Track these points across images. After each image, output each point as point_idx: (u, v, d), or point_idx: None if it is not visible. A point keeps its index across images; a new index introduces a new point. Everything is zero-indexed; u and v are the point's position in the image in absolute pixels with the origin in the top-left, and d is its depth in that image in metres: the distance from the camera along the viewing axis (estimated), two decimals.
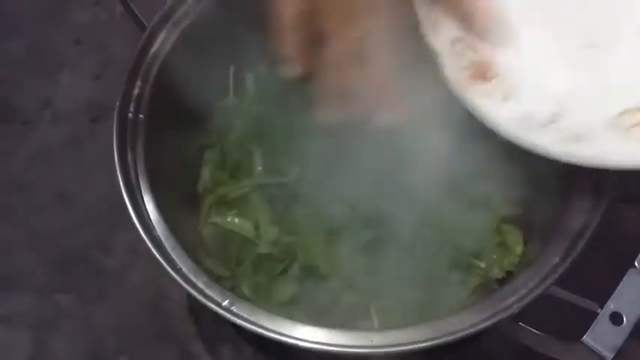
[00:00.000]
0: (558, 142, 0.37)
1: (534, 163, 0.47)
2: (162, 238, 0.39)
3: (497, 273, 0.46)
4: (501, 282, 0.45)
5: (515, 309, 0.37)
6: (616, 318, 0.38)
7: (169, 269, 0.37)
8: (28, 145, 0.64)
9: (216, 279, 0.39)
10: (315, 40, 0.37)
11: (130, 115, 0.43)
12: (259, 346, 0.52)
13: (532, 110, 0.39)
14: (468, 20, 0.39)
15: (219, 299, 0.37)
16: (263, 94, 0.54)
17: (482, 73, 0.40)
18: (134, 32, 0.50)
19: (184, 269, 0.38)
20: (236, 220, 0.49)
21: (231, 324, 0.38)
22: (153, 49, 0.47)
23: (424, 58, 0.40)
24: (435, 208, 0.48)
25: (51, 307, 0.56)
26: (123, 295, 0.56)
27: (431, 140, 0.43)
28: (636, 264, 0.40)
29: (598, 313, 0.39)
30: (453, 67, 0.40)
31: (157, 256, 0.38)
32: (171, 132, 0.47)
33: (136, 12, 0.50)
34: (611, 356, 0.38)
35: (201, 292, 0.37)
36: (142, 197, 0.41)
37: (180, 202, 0.46)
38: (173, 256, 0.39)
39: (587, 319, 0.39)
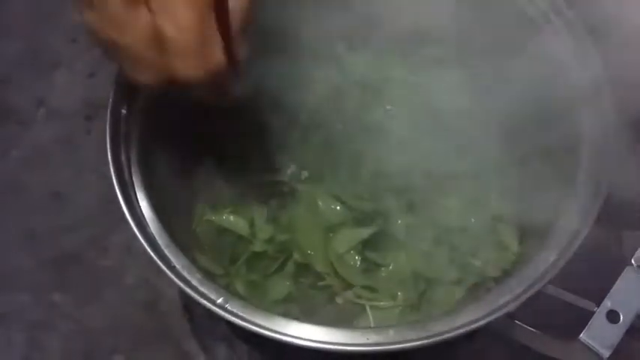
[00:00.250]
0: None
1: (531, 162, 0.47)
2: (156, 236, 0.39)
3: (493, 271, 0.46)
4: (497, 280, 0.45)
5: (511, 307, 0.36)
6: (613, 316, 0.38)
7: (163, 267, 0.37)
8: (23, 144, 0.64)
9: (210, 277, 0.38)
10: None
11: (123, 112, 0.43)
12: (254, 344, 0.52)
13: None
14: None
15: (213, 297, 0.36)
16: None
17: None
18: None
19: (178, 267, 0.38)
20: (231, 217, 0.48)
21: (226, 322, 0.38)
22: None
23: None
24: (432, 206, 0.48)
25: (46, 306, 0.56)
26: (118, 295, 0.56)
27: (426, 135, 0.43)
28: (633, 262, 0.39)
29: (594, 311, 0.39)
30: None
31: (151, 253, 0.37)
32: (165, 130, 0.47)
33: None
34: (608, 354, 0.38)
35: (195, 289, 0.37)
36: (136, 195, 0.41)
37: (175, 200, 0.46)
38: (167, 253, 0.38)
39: (584, 317, 0.39)
